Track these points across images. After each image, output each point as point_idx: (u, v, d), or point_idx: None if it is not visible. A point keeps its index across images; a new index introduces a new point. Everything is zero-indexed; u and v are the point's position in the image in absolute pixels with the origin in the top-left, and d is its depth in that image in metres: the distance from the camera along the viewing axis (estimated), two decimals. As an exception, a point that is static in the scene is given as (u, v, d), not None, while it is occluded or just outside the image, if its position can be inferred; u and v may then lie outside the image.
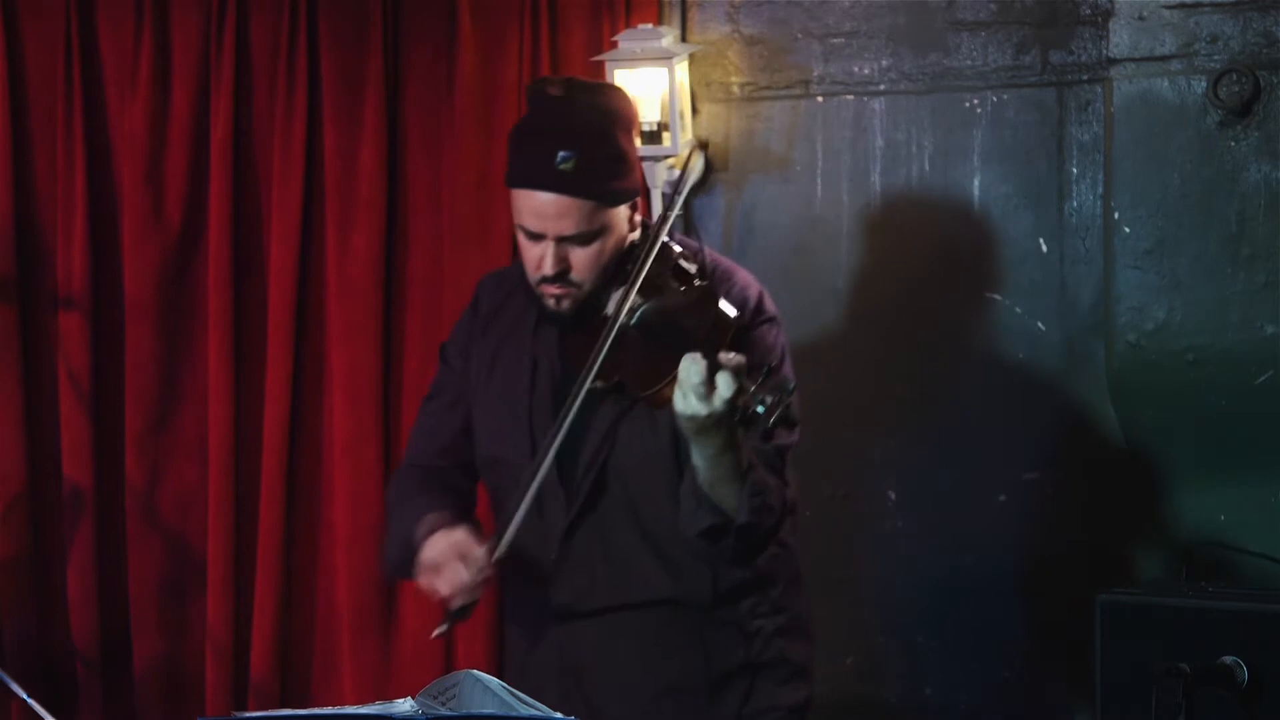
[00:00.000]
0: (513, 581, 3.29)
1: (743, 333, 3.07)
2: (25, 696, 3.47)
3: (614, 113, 3.12)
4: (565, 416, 3.06)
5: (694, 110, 4.30)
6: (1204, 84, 3.81)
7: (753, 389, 2.83)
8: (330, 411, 4.51)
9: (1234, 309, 3.83)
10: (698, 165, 3.08)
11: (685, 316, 3.02)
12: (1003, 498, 4.15)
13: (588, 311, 3.13)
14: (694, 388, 2.82)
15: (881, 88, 4.22)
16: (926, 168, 4.20)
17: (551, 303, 3.14)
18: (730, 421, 2.87)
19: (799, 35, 4.27)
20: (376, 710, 2.50)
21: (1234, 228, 3.82)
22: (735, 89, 4.32)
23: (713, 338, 2.96)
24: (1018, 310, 4.13)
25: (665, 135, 4.17)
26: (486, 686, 2.57)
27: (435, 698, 2.55)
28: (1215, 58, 3.81)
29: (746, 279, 3.22)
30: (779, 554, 3.21)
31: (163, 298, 4.56)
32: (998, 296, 4.15)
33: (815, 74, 4.27)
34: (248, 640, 4.51)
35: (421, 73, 4.45)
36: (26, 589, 4.57)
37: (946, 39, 4.16)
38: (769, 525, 3.05)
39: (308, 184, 4.48)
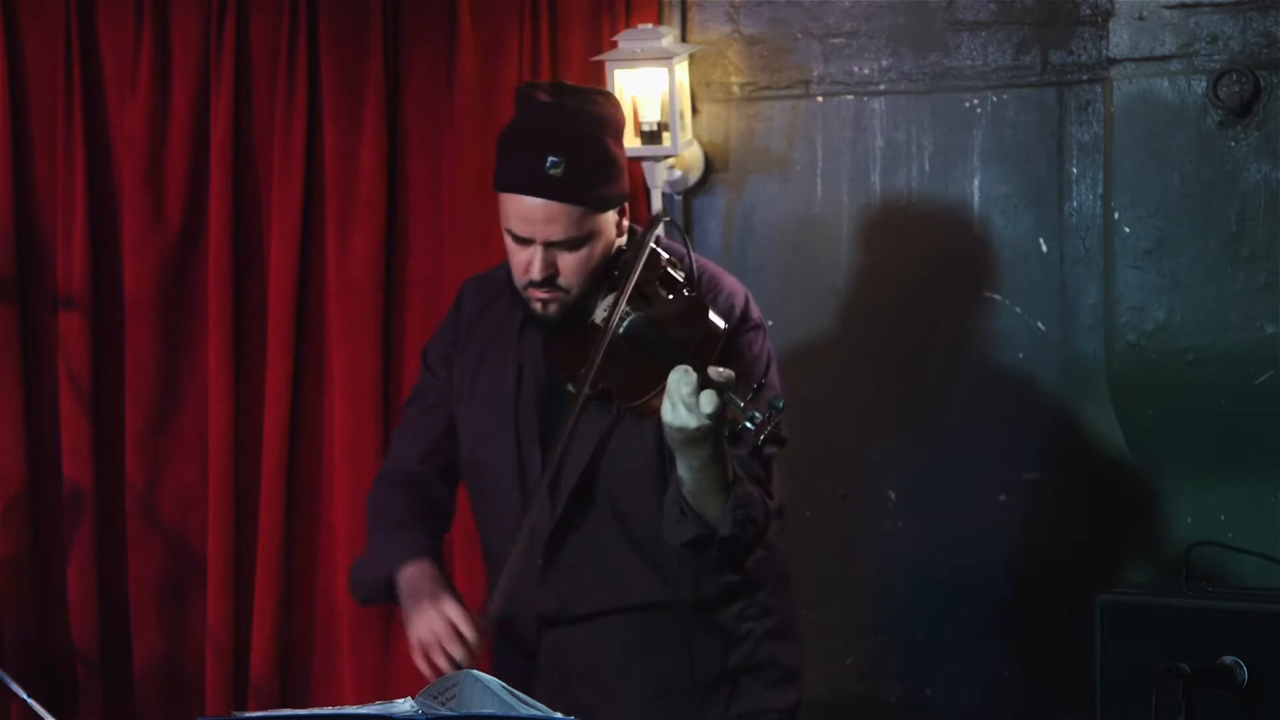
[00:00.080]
0: (494, 584, 3.26)
1: (729, 340, 3.06)
2: (25, 696, 3.46)
3: (603, 118, 3.12)
4: (568, 430, 3.05)
5: (694, 110, 4.30)
6: (1204, 84, 3.81)
7: (742, 405, 2.82)
8: (330, 411, 4.51)
9: (1234, 309, 3.83)
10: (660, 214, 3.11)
11: (675, 328, 3.01)
12: (1003, 498, 4.15)
13: (574, 317, 3.12)
14: (683, 399, 2.82)
15: (881, 88, 4.22)
16: (926, 168, 4.20)
17: (538, 307, 3.13)
18: (718, 435, 2.87)
19: (799, 35, 4.27)
20: (376, 710, 2.50)
21: (1234, 228, 3.82)
22: (735, 89, 4.32)
23: (703, 350, 2.95)
24: (1018, 310, 4.13)
25: (665, 135, 4.17)
26: (486, 686, 2.57)
27: (435, 698, 2.55)
28: (1215, 58, 3.81)
29: (732, 285, 3.22)
30: (766, 556, 3.21)
31: (163, 298, 4.56)
32: (998, 296, 4.15)
33: (815, 74, 4.27)
34: (248, 640, 4.50)
35: (421, 73, 4.45)
36: (26, 589, 4.57)
37: (946, 39, 4.16)
38: (751, 536, 3.04)
39: (308, 184, 4.48)
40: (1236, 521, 3.92)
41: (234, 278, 4.50)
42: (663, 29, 4.21)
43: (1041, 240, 4.11)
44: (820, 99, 4.27)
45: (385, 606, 4.42)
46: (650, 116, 4.16)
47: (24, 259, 4.57)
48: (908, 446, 4.22)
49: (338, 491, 4.47)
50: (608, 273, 3.13)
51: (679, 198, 4.34)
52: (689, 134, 4.26)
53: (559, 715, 2.51)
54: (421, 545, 3.21)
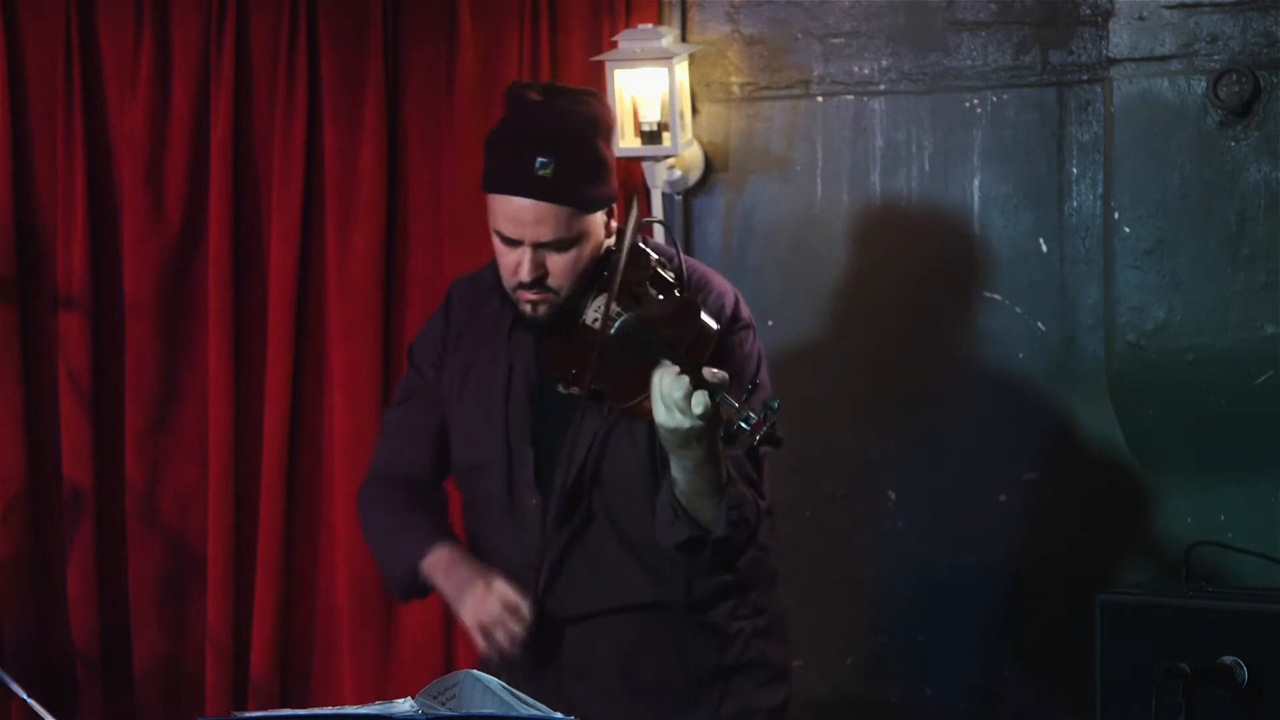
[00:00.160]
0: None
1: (720, 340, 3.06)
2: (25, 696, 3.47)
3: (593, 118, 3.11)
4: (574, 436, 3.05)
5: (694, 110, 4.30)
6: (1204, 84, 3.81)
7: (737, 405, 2.82)
8: (330, 411, 4.51)
9: (1234, 309, 3.83)
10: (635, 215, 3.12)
11: (666, 328, 3.01)
12: (1003, 498, 4.15)
13: (563, 318, 3.12)
14: (676, 401, 2.81)
15: (881, 88, 4.22)
16: (926, 168, 4.19)
17: (528, 309, 3.13)
18: (712, 435, 2.86)
19: (799, 35, 4.27)
20: (376, 710, 2.50)
21: (1234, 228, 3.82)
22: (735, 89, 4.32)
23: (695, 350, 2.95)
24: (1018, 310, 4.13)
25: (665, 135, 4.17)
26: (486, 686, 2.57)
27: (435, 698, 2.55)
28: (1215, 58, 3.81)
29: (722, 285, 3.21)
30: (758, 556, 3.21)
31: (163, 298, 4.56)
32: (998, 296, 4.15)
33: (815, 74, 4.27)
34: (248, 640, 4.50)
35: (421, 73, 4.45)
36: (26, 589, 4.56)
37: (946, 39, 4.16)
38: (744, 537, 3.04)
39: (308, 184, 4.48)
40: (1236, 521, 3.92)
41: (234, 278, 4.50)
42: (663, 29, 4.21)
43: (1041, 240, 4.11)
44: (820, 99, 4.27)
45: (385, 607, 4.46)
46: (650, 116, 4.16)
47: (24, 259, 4.57)
48: (908, 446, 4.22)
49: (338, 491, 4.47)
50: (597, 274, 3.12)
51: (679, 198, 4.34)
52: (689, 134, 4.25)
53: (559, 715, 2.51)
54: (435, 531, 3.21)
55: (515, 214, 3.06)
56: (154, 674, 4.57)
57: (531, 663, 3.18)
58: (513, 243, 3.08)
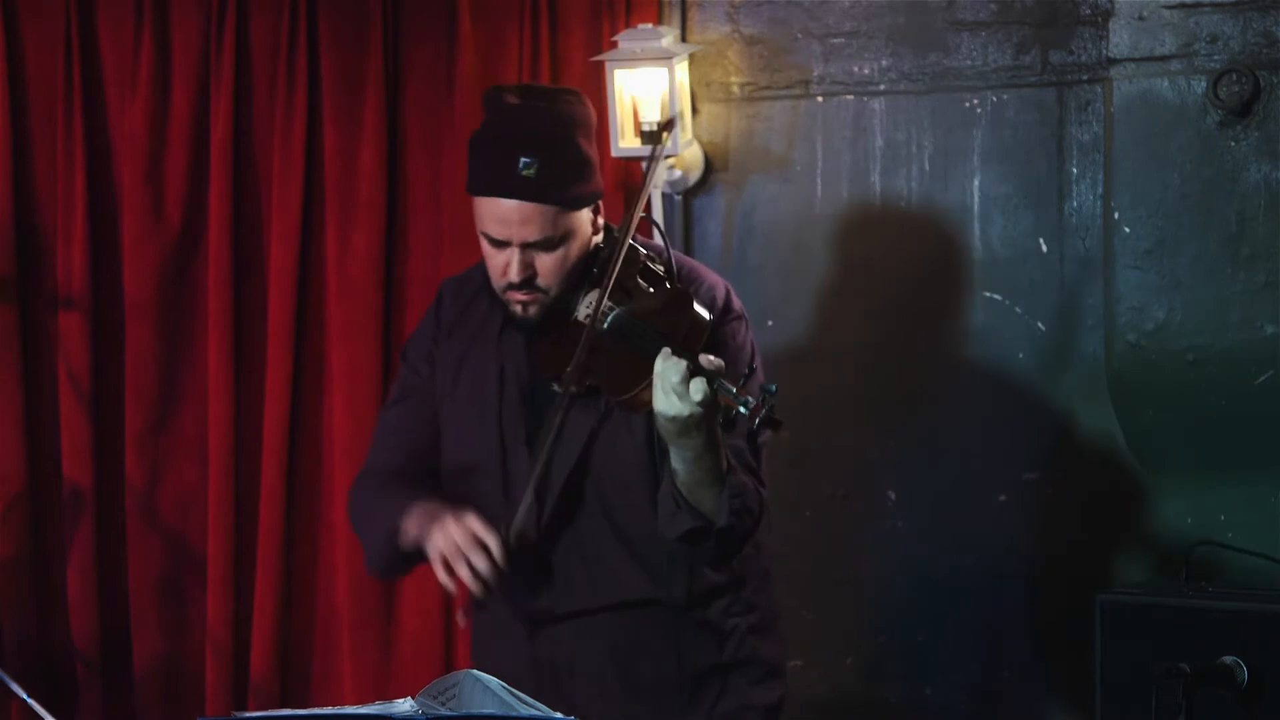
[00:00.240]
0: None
1: (712, 331, 3.07)
2: (25, 696, 3.47)
3: (574, 117, 3.12)
4: (553, 426, 3.05)
5: (694, 110, 4.30)
6: (1204, 84, 3.80)
7: (734, 391, 2.83)
8: (330, 411, 4.51)
9: (1234, 309, 3.83)
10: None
11: (660, 319, 3.02)
12: (1003, 498, 4.15)
13: (554, 317, 3.12)
14: (674, 387, 2.83)
15: (881, 88, 4.22)
16: (926, 168, 4.19)
17: (518, 309, 3.13)
18: (711, 423, 2.87)
19: (799, 35, 4.27)
20: (376, 710, 2.50)
21: (1234, 228, 3.82)
22: (735, 89, 4.32)
23: (689, 340, 2.96)
24: (1018, 310, 4.13)
25: (665, 135, 4.16)
26: (486, 686, 2.57)
27: (435, 698, 2.55)
28: (1215, 58, 3.81)
29: (712, 278, 3.22)
30: (751, 553, 3.21)
31: (163, 298, 4.56)
32: (998, 296, 4.15)
33: (815, 74, 4.27)
34: (248, 640, 4.50)
35: (421, 73, 4.45)
36: (26, 589, 4.57)
37: (946, 39, 4.16)
38: (748, 526, 3.04)
39: (308, 184, 4.48)
40: (1236, 521, 3.92)
41: (234, 278, 4.50)
42: (663, 29, 4.21)
43: (1041, 240, 4.11)
44: (820, 99, 4.27)
45: (385, 607, 4.46)
46: (650, 116, 4.16)
47: (24, 259, 4.57)
48: (908, 446, 4.22)
49: (338, 491, 4.47)
50: (587, 271, 3.13)
51: (679, 198, 4.34)
52: (689, 134, 4.26)
53: (559, 715, 2.51)
54: (419, 496, 3.18)
55: (501, 215, 3.06)
56: (154, 674, 4.57)
57: (531, 662, 3.17)
58: (500, 244, 3.09)
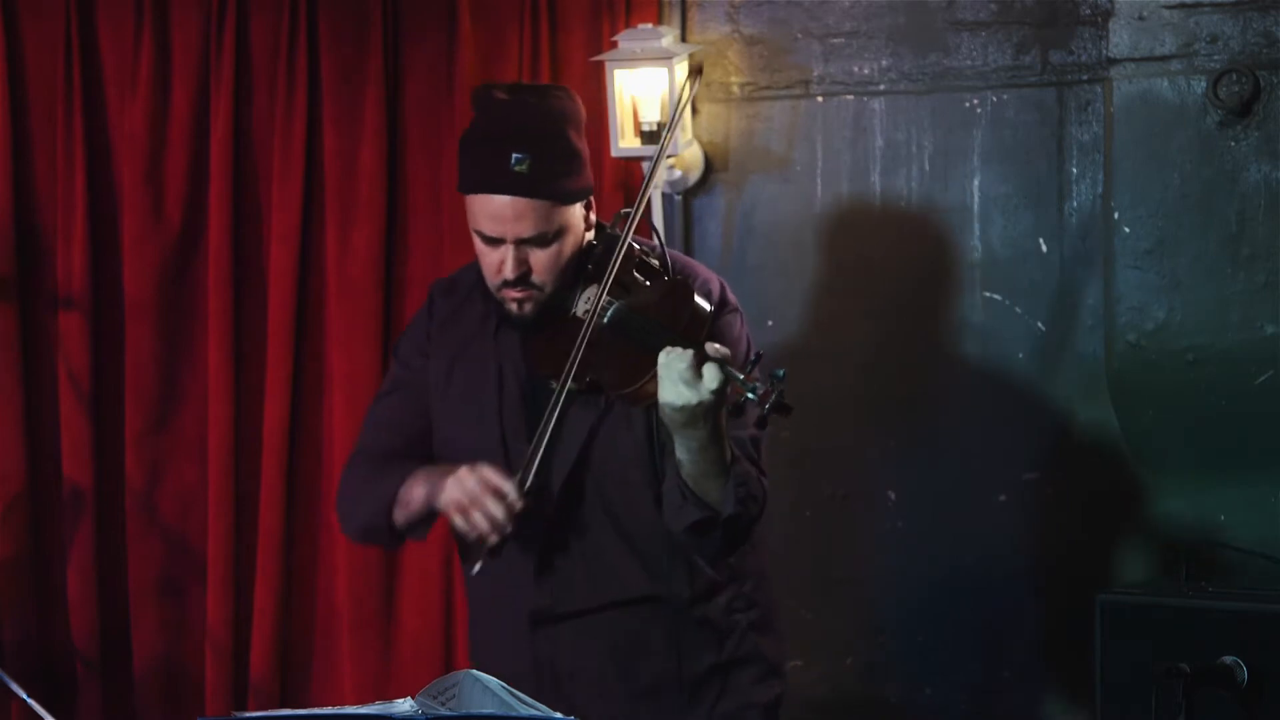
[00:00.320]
0: (479, 586, 3.22)
1: (711, 323, 3.07)
2: (25, 696, 3.47)
3: (563, 112, 3.12)
4: (548, 420, 3.05)
5: (694, 110, 4.30)
6: (1204, 84, 3.80)
7: (742, 377, 2.84)
8: (330, 411, 4.51)
9: (1234, 309, 3.83)
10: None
11: (661, 311, 3.03)
12: (1003, 498, 4.15)
13: (549, 314, 3.12)
14: (681, 376, 2.83)
15: (881, 88, 4.22)
16: (926, 168, 4.19)
17: (514, 307, 3.13)
18: (718, 412, 2.88)
19: (799, 35, 4.27)
20: (376, 710, 2.50)
21: (1234, 228, 3.82)
22: (735, 89, 4.32)
23: (691, 331, 2.97)
24: (1018, 310, 4.13)
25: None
26: (486, 686, 2.57)
27: (435, 698, 2.55)
28: (1215, 58, 3.81)
29: (706, 272, 3.23)
30: (749, 550, 3.21)
31: (163, 298, 4.56)
32: (998, 296, 4.15)
33: (815, 74, 4.27)
34: (248, 640, 4.51)
35: (421, 73, 4.45)
36: (26, 589, 4.57)
37: (946, 39, 4.16)
38: (753, 514, 3.05)
39: (308, 184, 4.48)
40: (1236, 521, 3.92)
41: (234, 278, 4.50)
42: (663, 29, 4.21)
43: (1041, 240, 4.11)
44: (820, 99, 4.27)
45: (385, 607, 4.45)
46: (650, 116, 4.16)
47: (24, 259, 4.57)
48: (908, 446, 4.22)
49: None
50: (581, 268, 3.13)
51: (679, 198, 4.34)
52: (689, 134, 4.26)
53: (559, 715, 2.51)
54: (417, 466, 3.18)
55: (495, 212, 3.06)
56: (154, 674, 4.57)
57: (531, 661, 3.17)
58: (494, 241, 3.09)
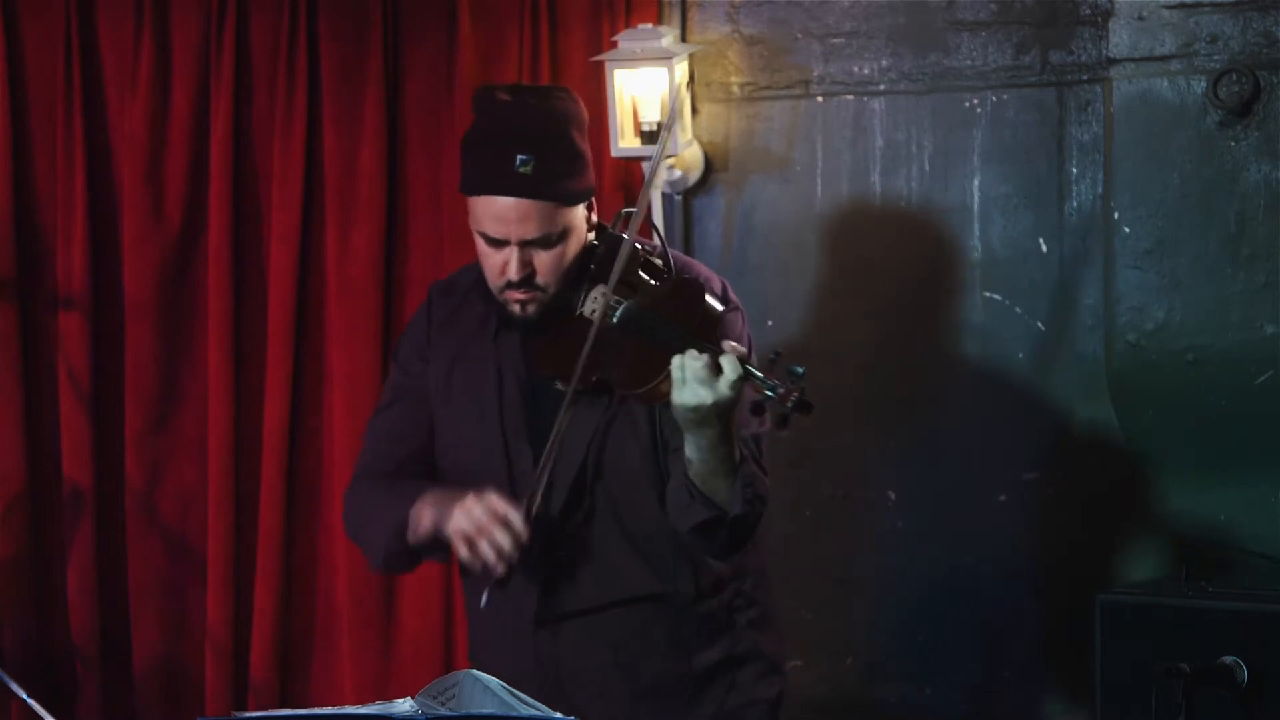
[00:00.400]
0: (479, 586, 3.20)
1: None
2: (25, 696, 3.47)
3: (566, 113, 3.12)
4: (561, 423, 3.04)
5: (694, 110, 4.30)
6: (1204, 84, 3.80)
7: (761, 375, 2.83)
8: (330, 411, 4.51)
9: (1234, 309, 3.83)
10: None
11: (671, 310, 3.02)
12: (1003, 498, 4.15)
13: (551, 315, 3.12)
14: (696, 374, 2.83)
15: (881, 88, 4.22)
16: (926, 168, 4.19)
17: (517, 309, 3.12)
18: (730, 412, 2.87)
19: (799, 35, 4.27)
20: (376, 710, 2.50)
21: (1234, 228, 3.82)
22: (735, 89, 4.32)
23: (704, 329, 2.96)
24: (1018, 310, 4.13)
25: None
26: (486, 686, 2.57)
27: (435, 698, 2.55)
28: (1215, 58, 3.81)
29: (707, 272, 3.23)
30: (749, 548, 3.21)
31: (163, 298, 4.56)
32: (998, 296, 4.15)
33: (815, 74, 4.27)
34: (248, 640, 4.51)
35: (421, 73, 4.45)
36: (26, 589, 4.57)
37: (946, 39, 4.16)
38: (759, 514, 3.05)
39: (308, 184, 4.48)
40: (1236, 521, 3.92)
41: (234, 278, 4.50)
42: (663, 29, 4.21)
43: (1041, 240, 4.11)
44: (820, 99, 4.27)
45: (385, 607, 4.45)
46: (650, 116, 4.16)
47: (24, 259, 4.58)
48: (908, 446, 4.22)
49: (338, 491, 4.46)
50: (584, 268, 3.13)
51: (679, 198, 4.34)
52: (689, 134, 4.26)
53: (559, 715, 2.51)
54: (425, 487, 3.17)
55: (499, 213, 3.06)
56: (153, 674, 4.57)
57: (533, 662, 3.17)
58: (498, 243, 3.08)
